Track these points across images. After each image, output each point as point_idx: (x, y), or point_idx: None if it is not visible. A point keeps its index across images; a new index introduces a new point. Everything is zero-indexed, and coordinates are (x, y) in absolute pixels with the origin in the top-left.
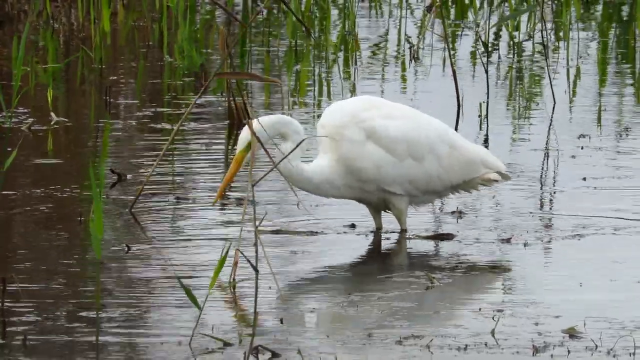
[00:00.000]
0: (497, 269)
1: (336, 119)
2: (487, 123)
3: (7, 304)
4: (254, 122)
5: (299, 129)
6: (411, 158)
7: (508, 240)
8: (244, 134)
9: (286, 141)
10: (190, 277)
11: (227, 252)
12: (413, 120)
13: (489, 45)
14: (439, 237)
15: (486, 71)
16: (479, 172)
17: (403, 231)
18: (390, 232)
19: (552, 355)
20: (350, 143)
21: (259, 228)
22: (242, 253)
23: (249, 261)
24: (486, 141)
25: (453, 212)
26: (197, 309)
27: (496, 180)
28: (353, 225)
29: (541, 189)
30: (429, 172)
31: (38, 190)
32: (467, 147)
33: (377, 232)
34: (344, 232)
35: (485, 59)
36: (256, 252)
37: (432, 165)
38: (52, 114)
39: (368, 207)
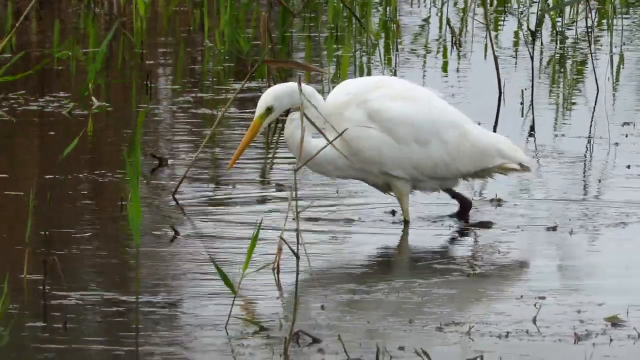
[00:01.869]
0: (539, 256)
1: (338, 98)
2: (533, 110)
3: (48, 287)
4: (270, 89)
5: (318, 100)
6: (415, 142)
7: (554, 229)
8: (264, 99)
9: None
10: (230, 262)
11: (257, 234)
12: (421, 103)
13: (532, 32)
14: (479, 225)
15: (531, 57)
16: (493, 162)
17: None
18: (430, 220)
19: (594, 344)
20: (349, 124)
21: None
22: (283, 240)
23: (290, 248)
24: (532, 128)
25: (492, 200)
26: (246, 295)
27: (516, 170)
28: (393, 212)
29: (584, 176)
30: (434, 158)
31: (80, 175)
32: (482, 137)
33: (405, 225)
34: (382, 220)
35: (532, 45)
36: (297, 237)
37: (438, 151)
38: (93, 98)
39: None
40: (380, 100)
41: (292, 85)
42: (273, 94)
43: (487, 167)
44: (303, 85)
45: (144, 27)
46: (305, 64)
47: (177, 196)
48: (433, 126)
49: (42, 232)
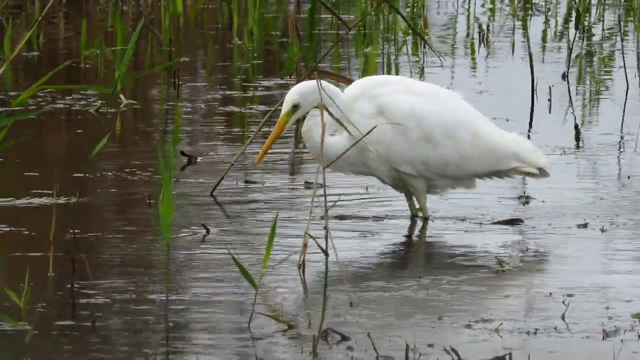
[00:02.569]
0: (568, 253)
1: (351, 92)
2: (572, 106)
3: (76, 285)
4: (296, 86)
5: (342, 101)
6: (424, 138)
7: (585, 226)
8: (290, 96)
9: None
10: (259, 259)
11: (274, 227)
12: (432, 99)
13: (578, 19)
14: (508, 222)
15: (570, 50)
16: (509, 165)
17: (425, 219)
18: (458, 217)
19: (622, 340)
20: (359, 116)
21: (322, 214)
22: (311, 236)
23: (318, 245)
24: (577, 128)
25: (520, 197)
26: (274, 293)
27: (533, 174)
28: None
29: (614, 173)
30: (444, 157)
31: (109, 173)
32: (497, 138)
33: (412, 219)
34: (410, 217)
35: (580, 40)
36: (326, 235)
37: (448, 150)
38: (122, 96)
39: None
40: (390, 94)
41: (316, 83)
42: (299, 91)
43: (501, 170)
44: (326, 84)
45: (181, 23)
46: (349, 77)
47: (207, 194)
48: (444, 123)
49: (70, 230)
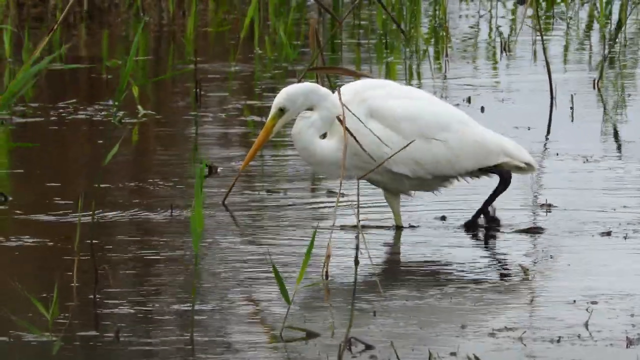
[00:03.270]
0: (591, 261)
1: (342, 97)
2: (606, 110)
3: (99, 296)
4: (284, 89)
5: (333, 103)
6: (417, 138)
7: (608, 234)
8: (276, 99)
9: (314, 112)
10: (281, 269)
11: (312, 244)
12: (423, 102)
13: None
14: (530, 230)
15: (604, 57)
16: (497, 160)
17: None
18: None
19: None
20: (350, 120)
21: (341, 223)
22: (336, 246)
23: (356, 252)
24: (598, 136)
25: (542, 205)
26: (297, 302)
27: (520, 168)
28: (444, 218)
29: (637, 180)
30: (437, 155)
31: (132, 184)
32: (485, 135)
33: (398, 230)
34: (432, 226)
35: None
36: (357, 244)
37: (440, 148)
38: (139, 107)
39: (387, 200)
40: (380, 97)
41: (307, 85)
42: (285, 95)
43: (490, 165)
44: (317, 86)
45: (210, 33)
46: (350, 69)
47: (229, 204)
48: (435, 122)
49: (93, 241)
